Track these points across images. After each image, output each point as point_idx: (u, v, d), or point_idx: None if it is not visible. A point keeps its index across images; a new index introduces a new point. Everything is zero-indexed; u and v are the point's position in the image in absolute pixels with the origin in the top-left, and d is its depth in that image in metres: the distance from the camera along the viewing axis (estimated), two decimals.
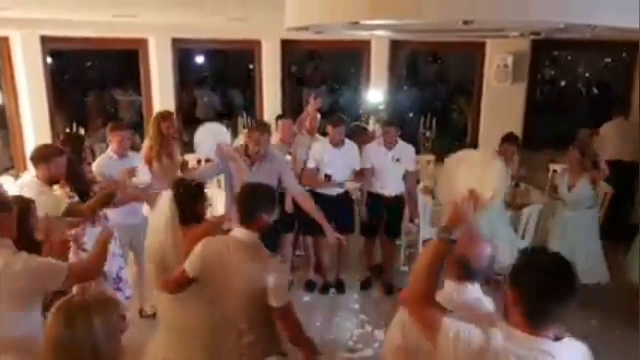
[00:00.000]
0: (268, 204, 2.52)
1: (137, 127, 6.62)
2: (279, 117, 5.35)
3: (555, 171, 5.72)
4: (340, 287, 5.04)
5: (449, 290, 2.02)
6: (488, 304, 2.01)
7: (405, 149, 4.98)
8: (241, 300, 2.37)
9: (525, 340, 1.60)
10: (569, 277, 1.58)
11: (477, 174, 1.97)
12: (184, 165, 4.88)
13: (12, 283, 2.22)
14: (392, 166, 4.87)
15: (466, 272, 1.98)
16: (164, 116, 4.70)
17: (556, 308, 1.58)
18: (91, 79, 9.71)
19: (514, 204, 5.12)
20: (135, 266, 4.41)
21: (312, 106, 5.17)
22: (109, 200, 3.64)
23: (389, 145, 4.89)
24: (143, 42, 6.50)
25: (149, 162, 4.51)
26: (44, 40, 5.91)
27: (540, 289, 1.57)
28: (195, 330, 2.68)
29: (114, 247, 3.78)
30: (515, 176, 5.01)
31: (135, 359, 3.57)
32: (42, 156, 3.39)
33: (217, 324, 2.54)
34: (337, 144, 4.82)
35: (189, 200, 2.88)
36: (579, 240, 4.64)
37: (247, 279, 2.35)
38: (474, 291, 2.00)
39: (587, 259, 4.63)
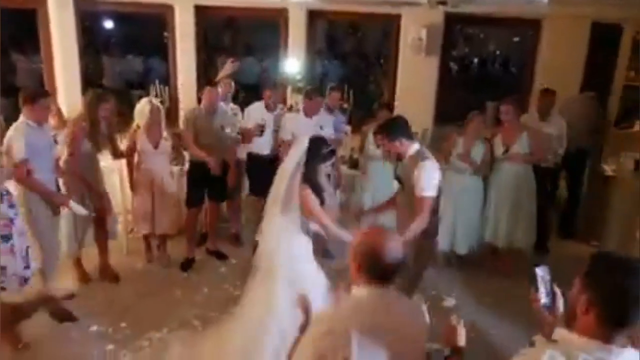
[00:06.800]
0: None
1: None
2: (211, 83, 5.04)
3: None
4: None
5: None
6: None
7: (326, 117, 5.00)
8: None
9: (584, 344, 1.45)
10: None
11: None
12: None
13: None
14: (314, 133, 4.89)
15: None
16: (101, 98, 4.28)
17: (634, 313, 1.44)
18: None
19: None
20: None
21: (225, 69, 5.04)
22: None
23: (311, 113, 4.88)
24: (41, 1, 5.97)
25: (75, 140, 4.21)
26: None
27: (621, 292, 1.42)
28: None
29: (20, 224, 3.54)
30: None
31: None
32: None
33: None
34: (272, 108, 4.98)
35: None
36: (461, 204, 4.80)
37: None
38: None
39: (469, 222, 4.86)
